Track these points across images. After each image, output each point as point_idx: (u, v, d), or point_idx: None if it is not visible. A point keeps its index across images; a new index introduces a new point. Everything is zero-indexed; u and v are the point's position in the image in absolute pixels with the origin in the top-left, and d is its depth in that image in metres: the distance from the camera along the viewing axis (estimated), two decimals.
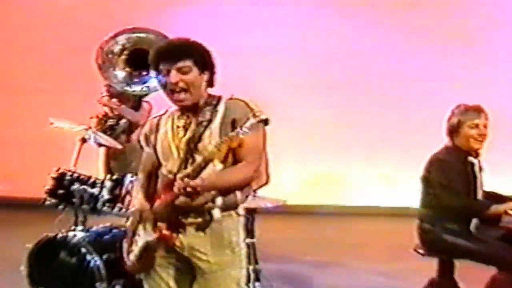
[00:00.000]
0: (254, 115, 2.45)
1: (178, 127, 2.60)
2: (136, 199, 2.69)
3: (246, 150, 2.46)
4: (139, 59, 4.42)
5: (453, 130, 3.86)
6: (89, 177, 4.12)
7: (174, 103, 2.57)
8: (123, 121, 4.76)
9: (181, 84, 2.49)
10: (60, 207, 4.08)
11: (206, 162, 2.42)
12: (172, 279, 2.62)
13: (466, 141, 3.82)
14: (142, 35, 4.51)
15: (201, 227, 2.54)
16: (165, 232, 2.51)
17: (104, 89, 4.70)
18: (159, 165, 2.63)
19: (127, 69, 4.56)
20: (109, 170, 4.56)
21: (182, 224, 2.52)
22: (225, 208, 2.53)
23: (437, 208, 3.83)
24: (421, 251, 3.95)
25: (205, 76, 2.55)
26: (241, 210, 2.59)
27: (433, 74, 6.74)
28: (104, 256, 3.83)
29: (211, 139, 2.50)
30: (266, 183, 3.94)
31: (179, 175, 2.44)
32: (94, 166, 4.52)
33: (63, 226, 4.06)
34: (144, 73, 4.48)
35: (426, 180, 3.87)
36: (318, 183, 6.69)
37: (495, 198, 3.93)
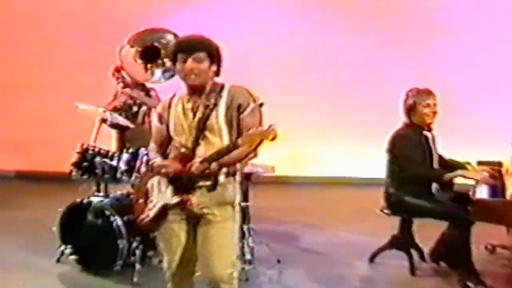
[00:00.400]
0: (254, 101, 2.75)
1: (187, 109, 2.78)
2: (158, 160, 2.84)
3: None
4: (152, 54, 4.66)
5: (410, 110, 4.09)
6: (108, 151, 4.29)
7: (186, 83, 2.77)
8: (143, 108, 4.94)
9: (195, 71, 2.71)
10: (85, 177, 4.24)
11: (234, 147, 2.64)
12: (183, 231, 2.84)
13: (422, 118, 4.08)
14: (157, 35, 4.70)
15: (209, 189, 2.76)
16: (185, 197, 2.74)
17: (119, 81, 4.81)
18: (170, 138, 2.83)
19: (140, 61, 4.69)
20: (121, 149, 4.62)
21: (194, 188, 2.76)
22: (228, 175, 2.77)
23: (401, 176, 4.06)
24: (386, 211, 4.23)
25: (213, 67, 2.76)
26: (238, 177, 2.83)
27: (388, 63, 6.79)
28: (124, 218, 3.98)
29: (217, 119, 2.73)
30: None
31: (198, 159, 2.65)
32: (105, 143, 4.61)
33: (85, 194, 4.25)
34: (159, 61, 4.66)
35: (391, 152, 4.13)
36: (297, 157, 6.73)
37: (451, 164, 4.18)
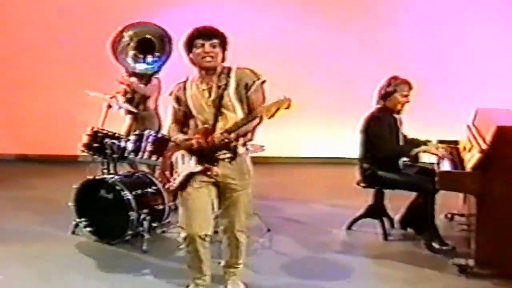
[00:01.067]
0: (258, 79, 2.98)
1: (203, 90, 2.99)
2: (180, 137, 3.03)
3: (256, 104, 2.95)
4: (144, 45, 4.87)
5: (387, 95, 4.25)
6: (115, 133, 4.46)
7: (201, 66, 2.95)
8: (137, 94, 5.07)
9: (211, 54, 2.93)
10: (95, 157, 4.41)
11: (254, 118, 2.86)
12: (207, 196, 3.03)
13: (394, 104, 4.27)
14: (144, 27, 4.87)
15: (230, 160, 3.00)
16: (208, 165, 2.96)
17: (124, 71, 5.01)
18: (191, 116, 3.03)
19: (133, 52, 4.90)
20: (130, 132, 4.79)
21: (217, 159, 2.99)
22: (244, 145, 3.02)
23: (374, 152, 4.25)
24: (362, 184, 4.43)
25: (222, 53, 2.98)
26: (249, 148, 3.09)
27: (362, 53, 6.88)
28: (133, 192, 4.14)
29: (230, 97, 2.95)
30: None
31: (219, 131, 2.86)
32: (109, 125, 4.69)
33: (93, 173, 4.37)
34: (149, 55, 4.88)
35: (366, 132, 4.31)
36: (280, 140, 6.62)
37: (416, 141, 4.35)
